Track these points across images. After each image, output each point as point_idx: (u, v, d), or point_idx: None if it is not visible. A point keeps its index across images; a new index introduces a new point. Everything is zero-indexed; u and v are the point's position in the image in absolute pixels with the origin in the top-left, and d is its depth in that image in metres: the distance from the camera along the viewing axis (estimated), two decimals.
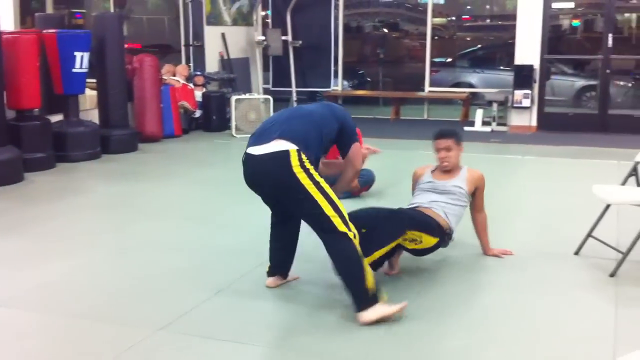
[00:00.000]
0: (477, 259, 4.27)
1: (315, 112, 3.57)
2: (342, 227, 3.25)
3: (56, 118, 7.60)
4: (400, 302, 3.33)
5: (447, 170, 4.14)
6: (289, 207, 3.48)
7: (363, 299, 3.26)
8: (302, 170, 3.25)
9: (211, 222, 5.22)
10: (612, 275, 3.95)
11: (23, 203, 5.86)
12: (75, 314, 3.46)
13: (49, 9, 12.57)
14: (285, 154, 3.26)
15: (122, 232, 4.96)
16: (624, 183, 4.37)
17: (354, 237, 3.27)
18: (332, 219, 3.24)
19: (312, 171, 3.29)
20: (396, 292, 3.62)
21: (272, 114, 9.50)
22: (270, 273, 3.78)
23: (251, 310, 3.47)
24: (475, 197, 4.19)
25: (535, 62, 9.47)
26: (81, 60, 7.50)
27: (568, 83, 11.18)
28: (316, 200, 3.24)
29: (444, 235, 3.88)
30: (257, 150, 3.37)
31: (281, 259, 3.76)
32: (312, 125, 3.46)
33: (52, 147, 7.22)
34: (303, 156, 3.28)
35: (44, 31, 7.51)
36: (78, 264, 4.24)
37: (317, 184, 3.27)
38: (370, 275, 3.28)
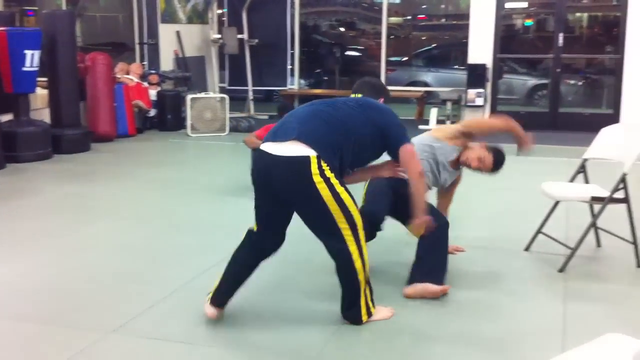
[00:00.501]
0: None
1: (344, 113, 3.14)
2: (352, 246, 3.09)
3: (6, 117, 7.43)
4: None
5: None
6: (299, 215, 3.17)
7: (354, 312, 3.26)
8: (322, 179, 2.95)
9: (164, 222, 5.16)
10: (560, 270, 4.05)
11: None
12: (24, 317, 3.39)
13: (0, 6, 12.30)
14: (305, 160, 2.94)
15: (73, 233, 4.88)
16: (572, 180, 4.47)
17: (360, 255, 3.13)
18: (345, 235, 3.07)
19: (333, 180, 2.99)
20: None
21: (227, 113, 9.46)
22: (216, 302, 3.31)
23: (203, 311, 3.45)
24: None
25: (488, 61, 9.62)
26: (31, 59, 7.36)
27: (520, 82, 11.39)
28: (332, 215, 3.02)
29: None
30: (273, 148, 3.03)
31: (234, 287, 3.33)
32: (336, 128, 3.06)
33: (2, 147, 7.05)
34: (323, 163, 2.96)
35: None
36: (27, 266, 4.16)
37: (337, 197, 3.00)
38: (367, 291, 3.26)
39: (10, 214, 5.42)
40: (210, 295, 3.33)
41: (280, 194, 3.08)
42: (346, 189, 3.07)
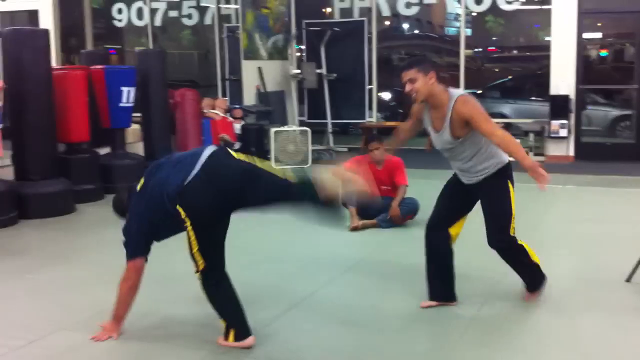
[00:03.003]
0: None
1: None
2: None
3: (104, 151, 7.82)
4: None
5: (428, 104, 3.75)
6: None
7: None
8: None
9: (262, 254, 5.31)
10: None
11: (75, 233, 6.03)
12: (142, 336, 3.57)
13: (89, 46, 12.98)
14: None
15: (167, 261, 5.09)
16: None
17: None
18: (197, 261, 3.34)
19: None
20: (448, 314, 3.69)
21: (309, 145, 9.66)
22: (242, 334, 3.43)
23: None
24: (474, 129, 3.60)
25: (571, 92, 9.53)
26: (127, 95, 7.74)
27: (602, 113, 11.19)
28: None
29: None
30: None
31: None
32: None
33: (100, 179, 7.42)
34: None
35: (92, 67, 7.77)
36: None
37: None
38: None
39: (111, 241, 5.63)
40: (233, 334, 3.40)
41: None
42: None
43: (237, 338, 3.38)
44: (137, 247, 3.48)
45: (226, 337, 3.40)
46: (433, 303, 3.92)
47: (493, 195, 3.71)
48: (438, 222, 3.91)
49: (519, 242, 3.78)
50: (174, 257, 4.02)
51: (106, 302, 4.08)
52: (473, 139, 3.64)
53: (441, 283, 3.93)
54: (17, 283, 4.61)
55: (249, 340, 3.38)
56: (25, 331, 3.69)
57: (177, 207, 3.23)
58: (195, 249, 3.31)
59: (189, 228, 3.26)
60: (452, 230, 3.91)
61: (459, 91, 3.73)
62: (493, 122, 3.60)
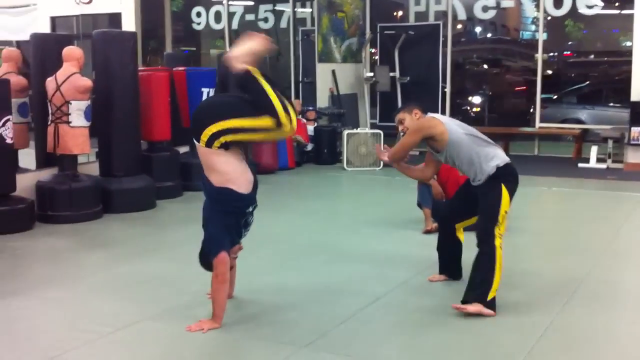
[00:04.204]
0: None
1: None
2: None
3: (183, 149, 8.07)
4: None
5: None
6: None
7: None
8: None
9: (334, 251, 5.41)
10: None
11: (157, 228, 6.28)
12: (224, 327, 3.72)
13: (168, 47, 13.38)
14: None
15: (249, 255, 5.26)
16: None
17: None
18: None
19: None
20: (531, 325, 3.69)
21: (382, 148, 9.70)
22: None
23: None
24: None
25: None
26: (207, 96, 7.96)
27: None
28: None
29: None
30: None
31: None
32: None
33: (180, 177, 7.67)
34: None
35: (174, 69, 8.03)
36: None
37: None
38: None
39: (191, 237, 5.87)
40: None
41: None
42: None
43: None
44: (221, 243, 3.67)
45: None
46: (441, 277, 4.44)
47: (484, 197, 3.97)
48: (449, 215, 4.35)
49: (499, 249, 3.88)
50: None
51: (187, 294, 4.28)
52: (452, 151, 4.00)
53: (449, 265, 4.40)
54: (105, 274, 4.85)
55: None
56: (114, 319, 3.89)
57: None
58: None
59: None
60: (458, 226, 4.31)
61: (434, 115, 4.16)
62: (410, 140, 4.10)
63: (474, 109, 13.76)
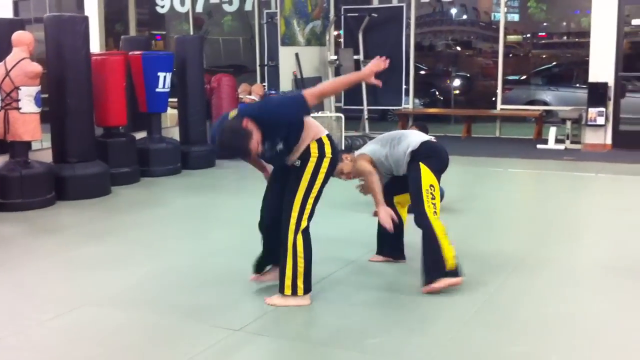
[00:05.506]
0: (549, 270, 4.33)
1: None
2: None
3: (140, 135, 8.01)
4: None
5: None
6: None
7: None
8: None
9: None
10: None
11: (111, 213, 6.24)
12: (164, 312, 3.73)
13: (132, 31, 13.24)
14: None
15: (201, 238, 5.27)
16: None
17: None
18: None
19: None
20: (468, 300, 3.74)
21: (342, 131, 9.72)
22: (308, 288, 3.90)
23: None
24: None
25: (610, 80, 9.36)
26: (164, 81, 7.90)
27: None
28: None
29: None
30: None
31: None
32: None
33: (137, 162, 7.63)
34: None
35: (130, 53, 7.95)
36: (163, 266, 4.54)
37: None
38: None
39: (147, 222, 5.90)
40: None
41: None
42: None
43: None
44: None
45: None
46: (380, 258, 4.54)
47: (409, 179, 4.19)
48: (385, 187, 4.38)
49: (435, 222, 3.98)
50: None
51: (135, 278, 4.28)
52: (382, 168, 4.31)
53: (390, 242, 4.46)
54: (54, 260, 4.82)
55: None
56: (56, 305, 3.87)
57: None
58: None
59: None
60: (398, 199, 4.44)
61: (362, 150, 4.42)
62: (368, 179, 4.20)
63: (441, 92, 13.79)
